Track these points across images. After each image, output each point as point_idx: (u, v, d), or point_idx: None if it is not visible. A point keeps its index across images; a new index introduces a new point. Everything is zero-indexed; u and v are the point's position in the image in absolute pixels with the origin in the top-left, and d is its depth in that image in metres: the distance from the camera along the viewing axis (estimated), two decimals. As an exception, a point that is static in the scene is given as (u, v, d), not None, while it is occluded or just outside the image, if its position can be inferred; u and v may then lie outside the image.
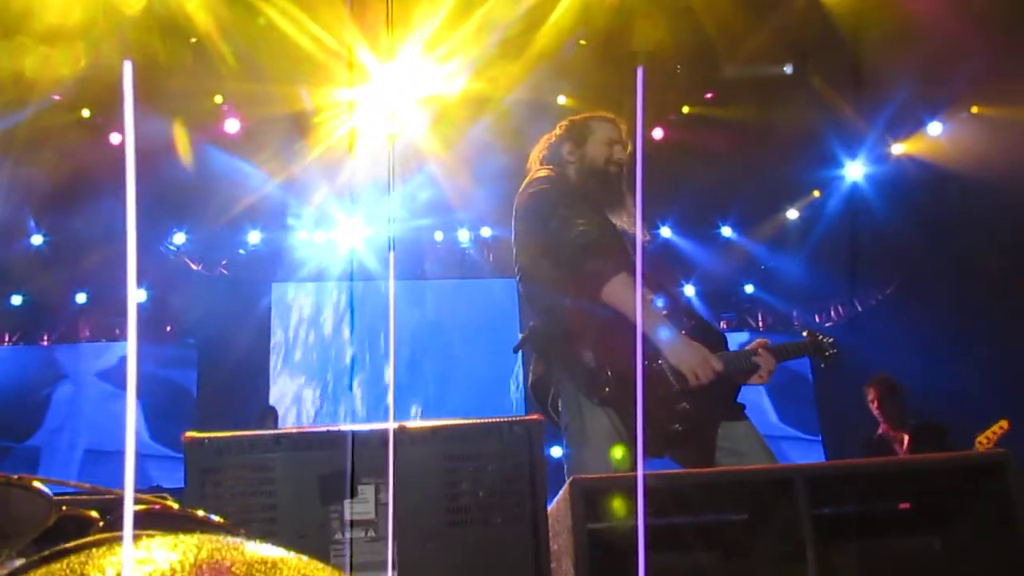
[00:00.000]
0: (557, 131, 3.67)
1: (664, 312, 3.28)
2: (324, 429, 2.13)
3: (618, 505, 2.29)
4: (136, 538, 0.54)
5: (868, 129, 8.85)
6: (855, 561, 2.59)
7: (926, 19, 7.04)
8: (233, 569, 0.52)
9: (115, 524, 1.39)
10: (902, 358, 7.25)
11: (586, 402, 3.13)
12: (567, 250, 3.21)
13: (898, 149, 9.06)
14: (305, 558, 0.55)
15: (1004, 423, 6.34)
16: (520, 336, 3.45)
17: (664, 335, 3.16)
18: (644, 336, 3.16)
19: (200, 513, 1.38)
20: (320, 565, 0.56)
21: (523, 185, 3.53)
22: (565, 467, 3.21)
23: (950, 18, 7.00)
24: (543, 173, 3.54)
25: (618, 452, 3.04)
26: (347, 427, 2.12)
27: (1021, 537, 2.51)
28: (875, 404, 6.53)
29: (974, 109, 8.44)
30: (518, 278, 3.49)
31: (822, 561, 2.37)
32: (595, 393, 3.09)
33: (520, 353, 3.50)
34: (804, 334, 3.66)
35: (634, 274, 3.25)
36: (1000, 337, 8.34)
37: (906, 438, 6.38)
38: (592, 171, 3.53)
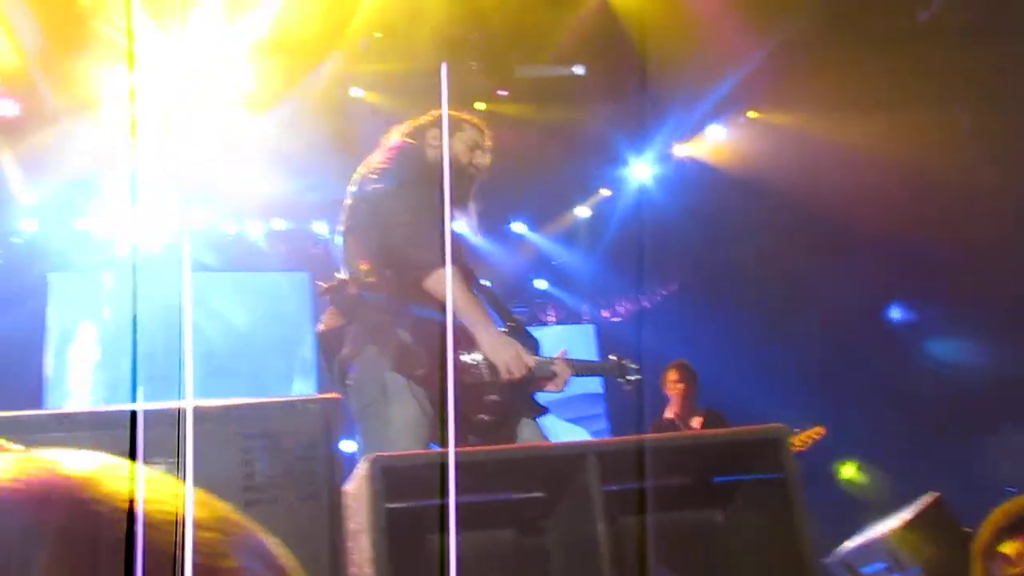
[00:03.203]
0: (426, 117, 3.65)
1: (483, 309, 3.33)
2: (111, 409, 2.04)
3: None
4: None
5: (653, 131, 9.18)
6: (644, 534, 2.69)
7: (707, 25, 7.37)
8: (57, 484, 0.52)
9: None
10: (686, 352, 7.54)
11: (392, 375, 3.12)
12: (398, 231, 3.19)
13: (681, 151, 9.43)
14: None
15: (820, 429, 6.63)
16: (324, 286, 3.40)
17: (482, 329, 3.21)
18: (463, 328, 3.20)
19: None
20: (159, 475, 0.56)
21: (380, 148, 3.49)
22: (359, 433, 3.19)
23: (729, 25, 7.35)
24: (403, 142, 3.51)
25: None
26: (135, 406, 2.03)
27: (795, 510, 2.67)
28: (676, 385, 6.75)
29: (751, 114, 8.89)
30: (342, 228, 3.43)
31: (612, 535, 2.44)
32: (409, 369, 3.09)
33: (314, 347, 3.45)
34: (609, 356, 3.81)
35: (459, 268, 3.31)
36: (776, 333, 8.83)
37: (698, 424, 6.64)
38: (456, 164, 3.53)
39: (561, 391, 3.51)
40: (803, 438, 6.47)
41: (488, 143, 3.70)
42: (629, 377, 3.80)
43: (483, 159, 3.66)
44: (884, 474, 7.76)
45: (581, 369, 3.62)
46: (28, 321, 8.94)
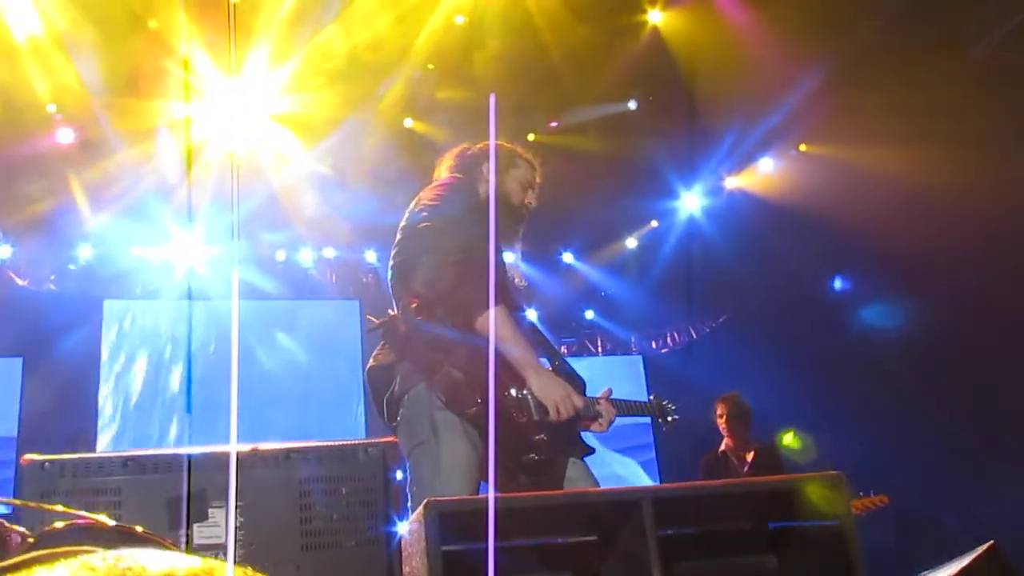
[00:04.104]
0: (474, 148, 3.65)
1: (532, 348, 3.33)
2: (171, 452, 2.07)
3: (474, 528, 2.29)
4: (73, 554, 0.52)
5: (704, 163, 9.18)
6: (697, 580, 2.67)
7: (757, 59, 7.37)
8: None
9: (45, 540, 1.31)
10: (735, 384, 7.50)
11: (443, 413, 3.12)
12: (449, 270, 3.18)
13: (732, 183, 9.42)
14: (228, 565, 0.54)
15: (884, 498, 6.42)
16: (376, 321, 3.41)
17: (533, 369, 3.21)
18: (514, 367, 3.20)
19: (139, 529, 1.32)
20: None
21: (431, 186, 3.50)
22: (408, 468, 3.19)
23: (780, 59, 7.34)
24: (454, 178, 3.52)
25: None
26: (196, 449, 2.06)
27: (851, 558, 2.64)
28: (724, 419, 6.71)
29: (802, 147, 8.86)
30: (391, 263, 3.43)
31: (666, 580, 2.43)
32: (461, 407, 3.09)
33: (362, 378, 3.45)
34: (651, 397, 3.82)
35: (510, 308, 3.31)
36: (826, 366, 8.75)
37: (750, 456, 6.59)
38: (505, 201, 3.54)
39: (605, 431, 3.50)
40: (866, 503, 6.34)
41: (539, 180, 3.71)
42: (668, 418, 3.81)
43: (533, 199, 3.66)
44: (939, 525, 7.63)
45: (625, 409, 3.61)
46: (84, 347, 9.08)
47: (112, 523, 1.39)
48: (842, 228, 8.08)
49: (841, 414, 8.29)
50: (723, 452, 6.75)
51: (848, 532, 2.68)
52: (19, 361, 9.19)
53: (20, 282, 9.37)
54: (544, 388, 3.21)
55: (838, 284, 9.63)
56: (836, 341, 8.88)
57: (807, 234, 8.51)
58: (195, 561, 0.55)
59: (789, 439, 8.19)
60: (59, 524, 1.32)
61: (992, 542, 3.62)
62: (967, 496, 7.48)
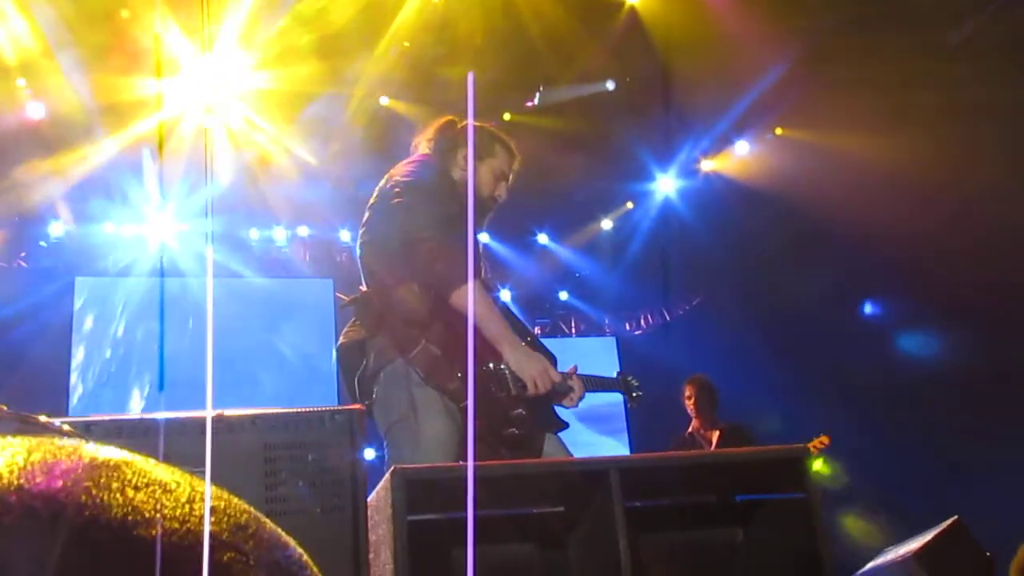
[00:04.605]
0: (457, 127, 3.62)
1: (508, 324, 3.32)
2: (138, 417, 2.06)
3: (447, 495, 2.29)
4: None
5: (680, 145, 9.18)
6: (664, 552, 2.69)
7: (734, 41, 7.37)
8: (72, 471, 0.49)
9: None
10: (707, 366, 7.53)
11: (422, 389, 3.12)
12: (423, 246, 3.16)
13: (707, 166, 9.44)
14: (152, 460, 0.52)
15: (825, 438, 6.67)
16: (346, 299, 3.39)
17: (509, 343, 3.21)
18: (490, 343, 3.19)
19: (42, 418, 1.30)
20: (168, 468, 0.52)
21: (403, 162, 3.47)
22: (387, 446, 3.19)
23: (757, 43, 7.35)
24: (427, 156, 3.50)
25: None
26: (164, 415, 2.05)
27: (816, 530, 2.66)
28: (692, 401, 6.79)
29: (778, 131, 8.88)
30: (360, 240, 3.41)
31: (633, 552, 2.44)
32: (440, 382, 3.09)
33: (336, 355, 3.42)
34: (615, 374, 3.84)
35: (484, 283, 3.31)
36: (798, 350, 8.80)
37: (715, 437, 6.65)
38: (476, 192, 3.53)
39: (576, 406, 3.50)
40: (808, 447, 6.47)
41: (516, 168, 3.68)
42: (634, 394, 3.82)
43: (503, 192, 3.64)
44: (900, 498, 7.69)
45: (592, 384, 3.62)
46: (55, 324, 9.01)
47: (6, 408, 1.38)
48: (817, 211, 8.11)
49: (816, 394, 8.34)
50: (690, 434, 6.82)
51: (814, 505, 2.70)
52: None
53: (-10, 259, 9.29)
54: (521, 363, 3.21)
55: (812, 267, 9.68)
56: (810, 323, 8.93)
57: (782, 217, 8.54)
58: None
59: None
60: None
61: (956, 517, 3.67)
62: (939, 481, 7.55)
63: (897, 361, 8.67)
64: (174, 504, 0.50)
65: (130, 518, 0.48)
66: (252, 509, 0.57)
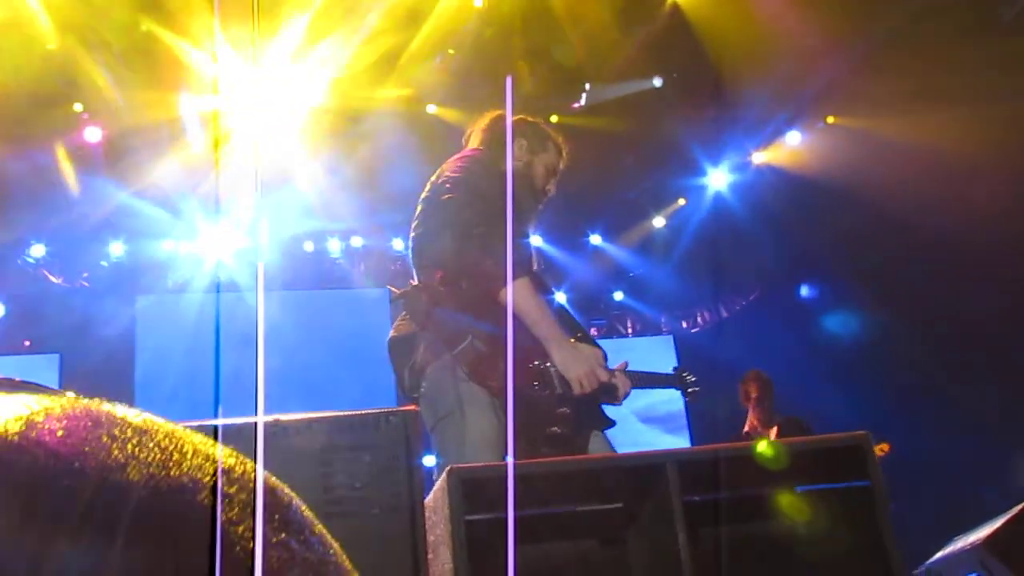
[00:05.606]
0: (510, 118, 3.64)
1: (557, 322, 3.31)
2: (196, 423, 2.08)
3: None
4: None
5: (730, 139, 9.11)
6: (723, 545, 2.66)
7: (782, 31, 7.29)
8: (102, 424, 0.49)
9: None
10: (766, 361, 7.45)
11: (468, 385, 3.12)
12: (473, 242, 3.17)
13: (759, 158, 9.35)
14: (176, 423, 0.52)
15: (885, 446, 6.56)
16: (397, 292, 3.41)
17: (556, 342, 3.20)
18: (538, 340, 3.19)
19: (17, 379, 1.30)
20: (191, 432, 0.52)
21: (454, 158, 3.49)
22: (433, 442, 3.19)
23: (804, 30, 7.27)
24: (478, 151, 3.51)
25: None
26: (220, 421, 2.07)
27: (878, 518, 2.61)
28: (753, 398, 6.71)
29: (830, 119, 8.76)
30: (412, 234, 3.42)
31: (693, 546, 2.42)
32: (485, 379, 3.09)
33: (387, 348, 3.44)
34: (672, 369, 3.78)
35: (533, 281, 3.30)
36: (859, 343, 8.68)
37: (773, 432, 6.58)
38: (530, 184, 3.54)
39: (620, 403, 3.47)
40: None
41: (562, 167, 3.69)
42: (690, 389, 3.76)
43: (553, 188, 3.65)
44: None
45: (641, 381, 3.57)
46: (118, 342, 9.17)
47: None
48: (873, 200, 7.97)
49: (879, 388, 8.22)
50: (747, 432, 6.76)
51: (879, 493, 2.65)
52: (56, 358, 9.32)
53: (54, 280, 9.49)
54: (567, 362, 3.19)
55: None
56: (872, 320, 8.79)
57: (837, 208, 8.42)
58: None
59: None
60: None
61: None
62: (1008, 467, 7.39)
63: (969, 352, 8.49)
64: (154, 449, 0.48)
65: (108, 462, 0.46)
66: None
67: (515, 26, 7.33)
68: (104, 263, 9.58)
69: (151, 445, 0.48)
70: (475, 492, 2.28)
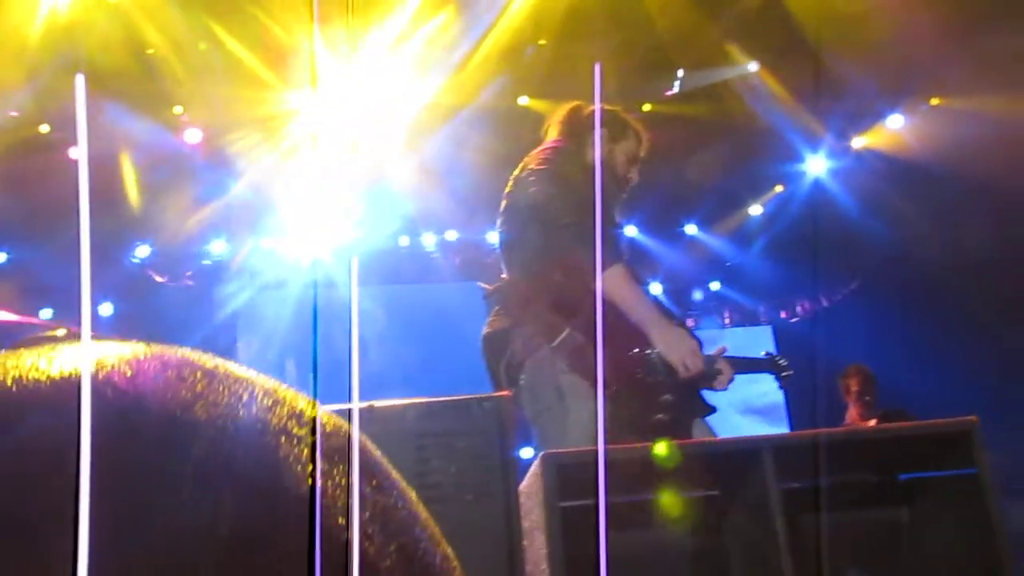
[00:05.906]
0: (586, 111, 3.63)
1: (654, 306, 3.29)
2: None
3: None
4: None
5: (829, 123, 8.91)
6: (824, 533, 2.61)
7: (881, 11, 7.11)
8: (171, 366, 0.50)
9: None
10: (867, 353, 7.29)
11: (568, 376, 3.12)
12: (564, 233, 3.17)
13: (859, 143, 9.13)
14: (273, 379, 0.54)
15: (973, 419, 6.37)
16: (489, 288, 3.42)
17: (657, 326, 3.18)
18: (638, 326, 3.17)
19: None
20: (264, 376, 0.54)
21: (537, 150, 3.49)
22: (535, 435, 3.20)
23: (904, 9, 7.07)
24: (561, 142, 3.51)
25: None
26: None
27: (987, 506, 2.53)
28: (854, 391, 6.58)
29: (934, 101, 8.51)
30: (500, 229, 3.43)
31: (790, 535, 2.37)
32: (586, 370, 3.08)
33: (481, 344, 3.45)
34: (763, 353, 3.74)
35: (628, 267, 3.27)
36: (966, 332, 8.41)
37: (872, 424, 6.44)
38: (612, 172, 3.53)
39: (725, 389, 3.43)
40: None
41: (643, 155, 3.66)
42: (783, 374, 3.71)
43: (636, 174, 3.62)
44: None
45: (741, 366, 3.53)
46: (222, 340, 9.37)
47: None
48: (980, 186, 7.71)
49: (986, 378, 7.95)
50: (847, 425, 6.63)
51: (986, 481, 2.57)
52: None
53: (159, 279, 9.74)
54: (670, 344, 3.17)
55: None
56: (979, 309, 8.49)
57: (942, 193, 8.18)
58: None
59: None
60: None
61: None
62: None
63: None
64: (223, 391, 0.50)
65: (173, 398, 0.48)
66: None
67: (606, 11, 7.28)
68: (207, 261, 9.80)
69: (220, 388, 0.49)
70: (569, 478, 2.27)
